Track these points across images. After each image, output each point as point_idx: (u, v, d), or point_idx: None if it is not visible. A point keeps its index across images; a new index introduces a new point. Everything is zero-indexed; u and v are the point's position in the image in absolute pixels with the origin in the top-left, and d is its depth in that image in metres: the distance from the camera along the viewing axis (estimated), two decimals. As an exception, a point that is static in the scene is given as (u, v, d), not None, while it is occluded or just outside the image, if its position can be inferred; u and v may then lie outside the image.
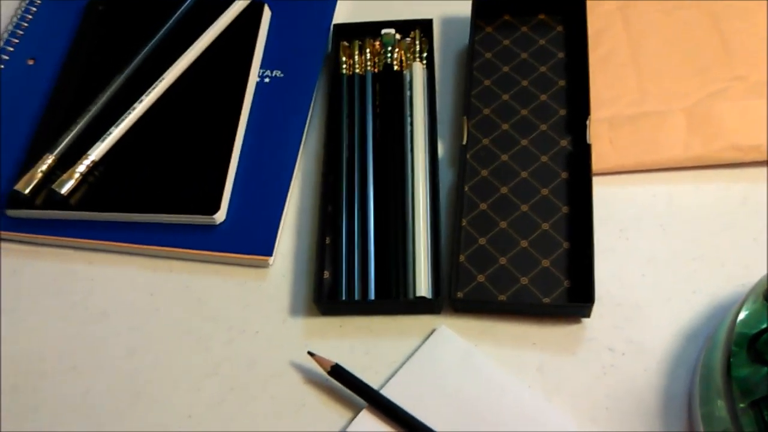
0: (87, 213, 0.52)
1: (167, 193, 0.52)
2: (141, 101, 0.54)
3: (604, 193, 0.52)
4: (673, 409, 0.44)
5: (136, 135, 0.54)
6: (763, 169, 0.51)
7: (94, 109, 0.54)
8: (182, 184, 0.52)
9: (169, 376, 0.48)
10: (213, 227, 0.51)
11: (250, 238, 0.51)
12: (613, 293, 0.48)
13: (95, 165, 0.52)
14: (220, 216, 0.51)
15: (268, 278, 0.51)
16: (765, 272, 0.43)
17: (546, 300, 0.47)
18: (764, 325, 0.40)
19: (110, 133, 0.52)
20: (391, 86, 0.55)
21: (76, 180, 0.51)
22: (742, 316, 0.41)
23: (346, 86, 0.56)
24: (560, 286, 0.48)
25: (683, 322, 0.47)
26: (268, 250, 0.50)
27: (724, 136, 0.51)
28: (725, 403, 0.39)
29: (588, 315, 0.47)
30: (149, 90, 0.54)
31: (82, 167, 0.52)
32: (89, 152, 0.52)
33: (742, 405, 0.38)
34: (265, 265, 0.51)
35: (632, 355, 0.46)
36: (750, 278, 0.46)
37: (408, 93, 0.55)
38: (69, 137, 0.53)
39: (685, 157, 0.52)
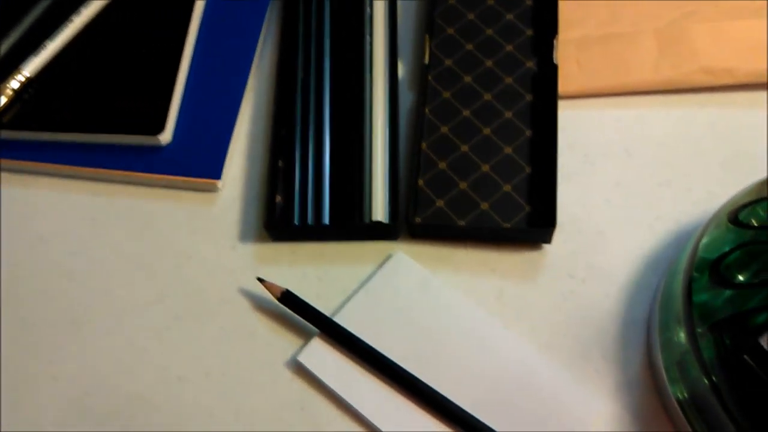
0: (22, 133, 0.48)
1: (109, 112, 0.48)
2: (79, 13, 0.50)
3: (569, 117, 0.50)
4: (632, 335, 0.43)
5: (76, 50, 0.50)
6: (733, 94, 0.50)
7: (27, 22, 0.50)
8: (125, 103, 0.49)
9: (111, 304, 0.45)
10: (158, 149, 0.48)
11: (198, 160, 0.48)
12: (575, 219, 0.47)
13: (31, 82, 0.49)
14: (166, 137, 0.48)
15: (217, 203, 0.48)
16: (730, 198, 0.41)
17: (507, 225, 0.45)
18: (728, 248, 0.38)
19: (45, 47, 0.49)
20: (350, 3, 0.52)
21: (8, 97, 0.48)
22: (704, 241, 0.40)
23: (302, 3, 0.53)
24: (522, 211, 0.46)
25: (646, 249, 0.46)
26: (216, 173, 0.48)
27: (696, 59, 0.49)
28: (684, 328, 0.38)
29: (549, 240, 0.45)
30: (88, 1, 0.50)
31: (14, 83, 0.48)
32: (22, 67, 0.48)
33: (700, 330, 0.37)
34: (214, 190, 0.48)
35: (593, 282, 0.45)
36: (716, 204, 0.44)
37: (368, 11, 0.52)
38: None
39: (654, 80, 0.50)
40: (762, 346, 0.34)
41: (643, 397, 0.41)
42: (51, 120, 0.48)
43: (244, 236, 0.47)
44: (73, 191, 0.49)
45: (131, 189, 0.49)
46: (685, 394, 0.39)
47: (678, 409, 0.39)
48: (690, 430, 0.39)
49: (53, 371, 0.44)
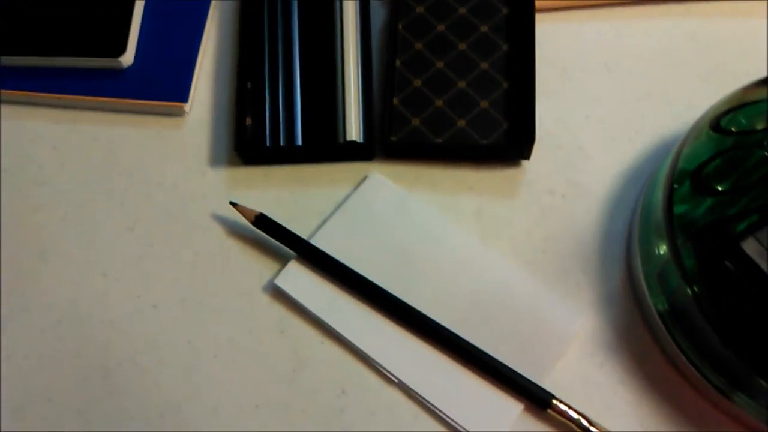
0: (-25, 58, 0.46)
1: (69, 35, 0.46)
2: (29, -71, 0.47)
3: (547, 31, 0.48)
4: (612, 250, 0.43)
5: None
6: (715, 4, 0.49)
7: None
8: (85, 25, 0.46)
9: (79, 234, 0.44)
10: (120, 72, 0.46)
11: (163, 83, 0.46)
12: (554, 135, 0.46)
13: (-18, 4, 0.46)
14: (127, 59, 0.46)
15: (184, 127, 0.47)
16: (711, 107, 0.41)
17: (484, 142, 0.44)
18: (708, 155, 0.38)
19: (-5, -34, 0.46)
20: None
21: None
22: (685, 151, 0.39)
23: None
24: (499, 127, 0.45)
25: (626, 163, 0.45)
26: (182, 96, 0.46)
27: (675, -33, 0.48)
28: (666, 238, 0.37)
29: (528, 156, 0.44)
30: None
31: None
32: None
33: (680, 240, 0.37)
34: (181, 113, 0.47)
35: (572, 198, 0.44)
36: (696, 116, 0.44)
37: None
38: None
39: (633, -10, 0.48)
40: (744, 252, 0.34)
41: (623, 310, 0.41)
42: (8, 44, 0.46)
43: (215, 161, 0.46)
44: (33, 119, 0.47)
45: (94, 115, 0.47)
46: (666, 306, 0.39)
47: (658, 320, 0.39)
48: (670, 341, 0.39)
49: (24, 303, 0.42)
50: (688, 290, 0.36)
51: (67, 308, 0.42)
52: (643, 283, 0.40)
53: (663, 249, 0.38)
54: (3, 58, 0.46)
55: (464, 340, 0.40)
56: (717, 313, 0.35)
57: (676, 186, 0.38)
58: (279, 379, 0.40)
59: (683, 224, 0.37)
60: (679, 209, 0.38)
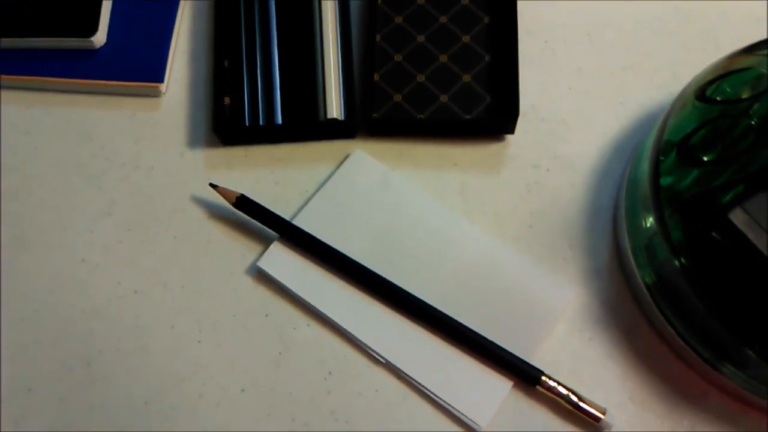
0: (-59, 41, 0.44)
1: (38, 15, 0.45)
2: None
3: (528, 2, 0.47)
4: (598, 223, 0.42)
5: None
6: (697, -29, 0.48)
7: None
8: (55, 5, 0.45)
9: (56, 219, 0.43)
10: (93, 53, 0.45)
11: (138, 64, 0.45)
12: (538, 108, 0.45)
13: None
14: (100, 38, 0.45)
15: (161, 108, 0.45)
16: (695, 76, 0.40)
17: (468, 117, 0.44)
18: (695, 125, 0.37)
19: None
20: None
21: None
22: (671, 122, 0.39)
23: None
24: (483, 101, 0.44)
25: (611, 135, 0.44)
26: (158, 76, 0.45)
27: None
28: (653, 210, 0.37)
29: (512, 131, 0.44)
30: None
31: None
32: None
33: (667, 212, 0.36)
34: (157, 94, 0.45)
35: (558, 171, 0.44)
36: (681, 86, 0.43)
37: None
38: None
39: (615, -41, 0.47)
40: (731, 222, 0.34)
41: (611, 284, 0.41)
42: (-28, 25, 0.44)
43: (193, 141, 0.45)
44: (4, 103, 0.45)
45: (68, 98, 0.45)
46: (653, 278, 0.39)
47: (646, 293, 0.39)
48: (658, 313, 0.39)
49: (2, 293, 0.41)
50: (676, 262, 0.36)
51: (47, 297, 0.41)
52: (630, 256, 0.40)
53: (650, 221, 0.38)
54: (-30, 40, 0.44)
55: (451, 318, 0.39)
56: (704, 284, 0.35)
57: (662, 157, 0.38)
58: (265, 362, 0.40)
59: (670, 196, 0.37)
60: (665, 181, 0.37)
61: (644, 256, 0.39)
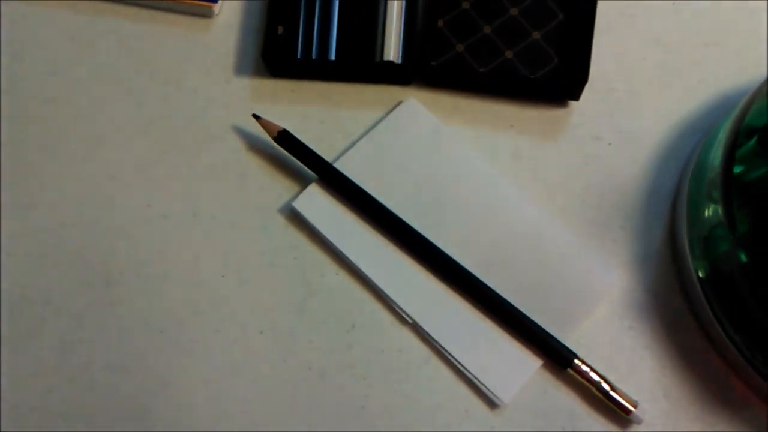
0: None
1: None
2: None
3: (613, -39, 0.44)
4: (655, 206, 0.40)
5: None
6: (802, -52, 0.44)
7: None
8: None
9: (91, 131, 0.41)
10: (148, -37, 0.43)
11: (193, -21, 0.43)
12: (607, 76, 0.42)
13: None
14: (157, -52, 0.42)
15: (212, 30, 0.43)
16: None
17: (532, 76, 0.41)
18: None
19: None
20: None
21: None
22: (754, 107, 0.36)
23: None
24: (550, 62, 0.41)
25: (682, 114, 0.41)
26: (212, -6, 0.43)
27: None
28: (720, 201, 0.34)
29: (577, 98, 0.41)
30: None
31: None
32: None
33: (736, 202, 0.34)
34: (210, 15, 0.43)
35: (619, 146, 0.41)
36: (766, 72, 0.40)
37: None
38: None
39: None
40: (809, 223, 0.31)
41: (660, 273, 0.39)
42: None
43: (240, 69, 0.42)
44: (52, 6, 0.44)
45: (117, 8, 0.44)
46: (708, 272, 0.36)
47: (698, 286, 0.37)
48: (708, 310, 0.36)
49: (28, 200, 0.40)
50: (738, 258, 0.33)
51: (73, 209, 0.40)
52: (686, 245, 0.38)
53: (713, 211, 0.35)
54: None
55: (487, 285, 0.37)
56: (765, 284, 0.32)
57: (741, 141, 0.35)
58: (288, 306, 0.38)
59: (740, 186, 0.34)
60: (737, 169, 0.34)
61: (701, 247, 0.37)
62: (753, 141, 0.35)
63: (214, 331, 0.38)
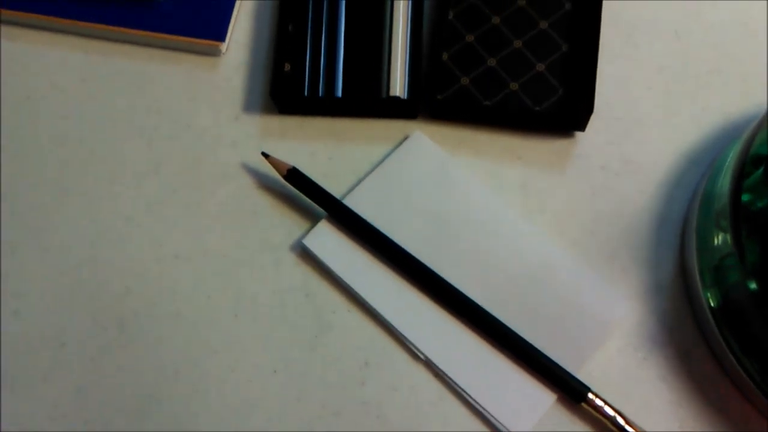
0: (5, -21, 0.43)
1: (102, -39, 0.43)
2: None
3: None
4: (665, 236, 0.40)
5: None
6: (803, -27, 0.44)
7: None
8: (119, -49, 0.43)
9: (103, 172, 0.42)
10: (156, 5, 0.44)
11: (200, 19, 0.43)
12: (612, 106, 0.42)
13: None
14: (164, -10, 0.43)
15: (219, 68, 0.44)
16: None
17: (537, 108, 0.41)
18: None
19: None
20: None
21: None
22: (761, 135, 0.36)
23: None
24: (555, 93, 0.41)
25: (689, 142, 0.41)
26: (220, 34, 0.43)
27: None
28: (730, 229, 0.34)
29: (583, 128, 0.41)
30: None
31: None
32: None
33: (745, 232, 0.34)
34: (217, 53, 0.44)
35: (627, 176, 0.41)
36: (771, 97, 0.40)
37: None
38: None
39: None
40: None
41: (671, 303, 0.39)
42: (36, -35, 0.43)
43: (249, 106, 0.43)
44: (64, 48, 0.44)
45: (127, 48, 0.44)
46: (720, 302, 0.36)
47: (710, 316, 0.37)
48: (721, 340, 0.36)
49: (43, 242, 0.41)
50: (749, 287, 0.33)
51: (87, 250, 0.40)
52: (696, 275, 0.38)
53: (722, 240, 0.35)
54: (34, -20, 0.43)
55: (498, 320, 0.37)
56: (777, 316, 0.32)
57: (748, 170, 0.35)
58: (300, 344, 0.38)
59: (748, 215, 0.34)
60: (744, 197, 0.35)
61: (712, 276, 0.37)
62: (760, 170, 0.35)
63: (228, 370, 0.38)
